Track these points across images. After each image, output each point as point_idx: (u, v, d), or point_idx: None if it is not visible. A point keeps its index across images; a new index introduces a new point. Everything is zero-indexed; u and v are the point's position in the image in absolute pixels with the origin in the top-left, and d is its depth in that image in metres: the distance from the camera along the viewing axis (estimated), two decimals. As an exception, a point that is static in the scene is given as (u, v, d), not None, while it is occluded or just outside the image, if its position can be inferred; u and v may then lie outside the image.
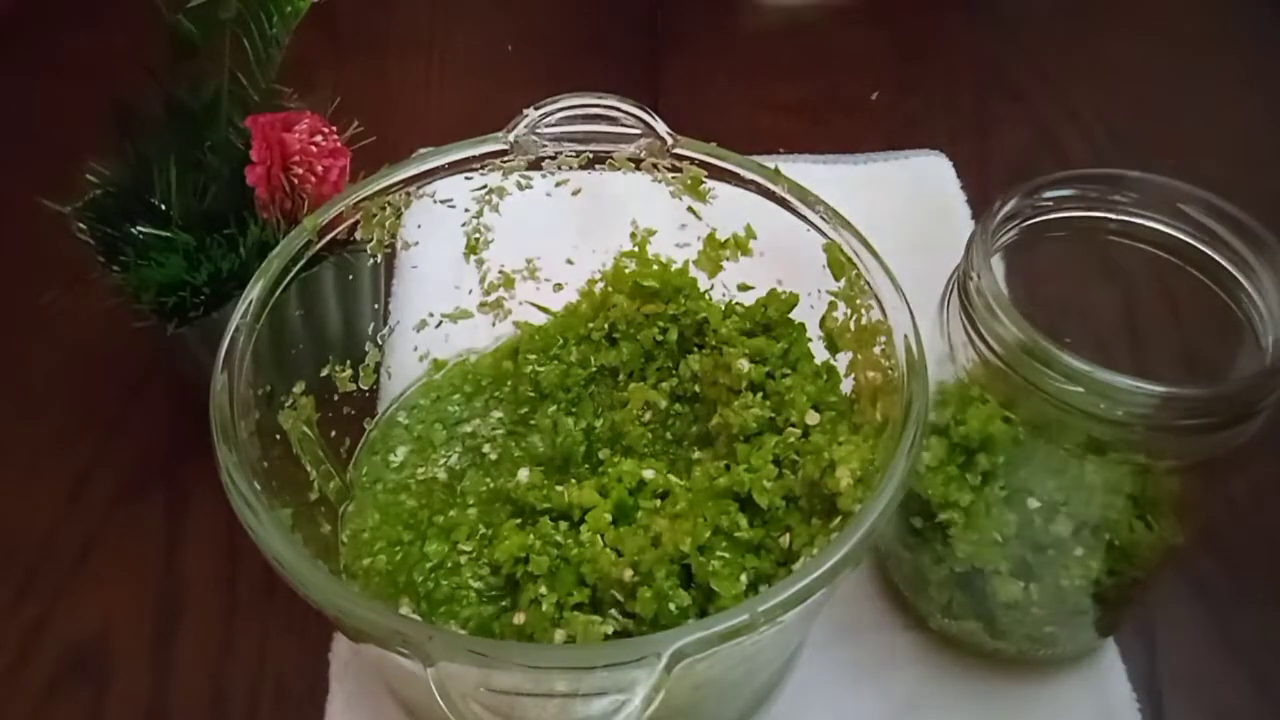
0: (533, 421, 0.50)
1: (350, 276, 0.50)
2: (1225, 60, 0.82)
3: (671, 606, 0.39)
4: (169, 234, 0.48)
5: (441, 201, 0.48)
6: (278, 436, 0.43)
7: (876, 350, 0.42)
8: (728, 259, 0.50)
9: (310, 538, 0.42)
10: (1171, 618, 0.50)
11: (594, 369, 0.50)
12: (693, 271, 0.50)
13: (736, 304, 0.49)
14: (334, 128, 0.51)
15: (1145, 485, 0.41)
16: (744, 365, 0.45)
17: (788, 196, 0.45)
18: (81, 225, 0.49)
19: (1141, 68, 0.80)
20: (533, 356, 0.51)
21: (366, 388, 0.50)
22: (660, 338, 0.49)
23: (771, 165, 0.46)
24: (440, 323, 0.53)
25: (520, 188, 0.49)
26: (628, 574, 0.40)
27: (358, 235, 0.46)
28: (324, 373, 0.48)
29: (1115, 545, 0.42)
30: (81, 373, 0.59)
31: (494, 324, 0.54)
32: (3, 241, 0.65)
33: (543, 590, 0.41)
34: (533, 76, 0.78)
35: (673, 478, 0.44)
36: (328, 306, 0.49)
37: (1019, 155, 0.73)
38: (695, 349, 0.49)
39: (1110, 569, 0.42)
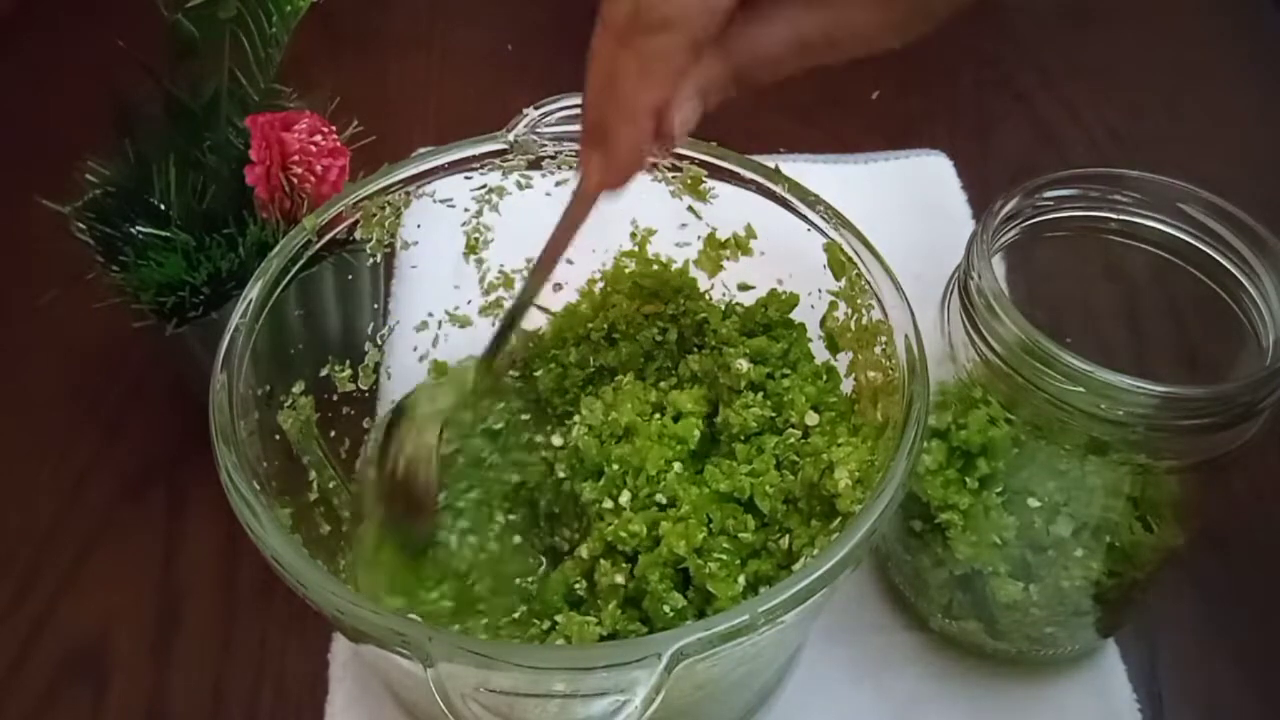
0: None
1: (350, 276, 0.50)
2: (1225, 60, 0.82)
3: (666, 609, 0.39)
4: (168, 234, 0.48)
5: (441, 201, 0.48)
6: (277, 436, 0.43)
7: (877, 350, 0.42)
8: (728, 259, 0.50)
9: (310, 538, 0.42)
10: (1171, 618, 0.50)
11: (592, 370, 0.50)
12: (693, 271, 0.50)
13: (736, 304, 0.49)
14: (333, 127, 0.51)
15: (1146, 486, 0.41)
16: (743, 365, 0.45)
17: (788, 196, 0.45)
18: (81, 225, 0.49)
19: (1141, 67, 0.80)
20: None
21: (366, 388, 0.50)
22: (660, 338, 0.49)
23: (771, 165, 0.46)
24: (440, 323, 0.53)
25: (520, 187, 0.48)
26: (619, 579, 0.40)
27: (357, 235, 0.46)
28: (323, 373, 0.48)
29: (1116, 546, 0.42)
30: (81, 373, 0.59)
31: (494, 324, 0.54)
32: (3, 241, 0.65)
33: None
34: (533, 76, 0.78)
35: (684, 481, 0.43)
36: (327, 306, 0.49)
37: (1019, 155, 0.73)
38: (695, 349, 0.49)
39: (1110, 570, 0.42)
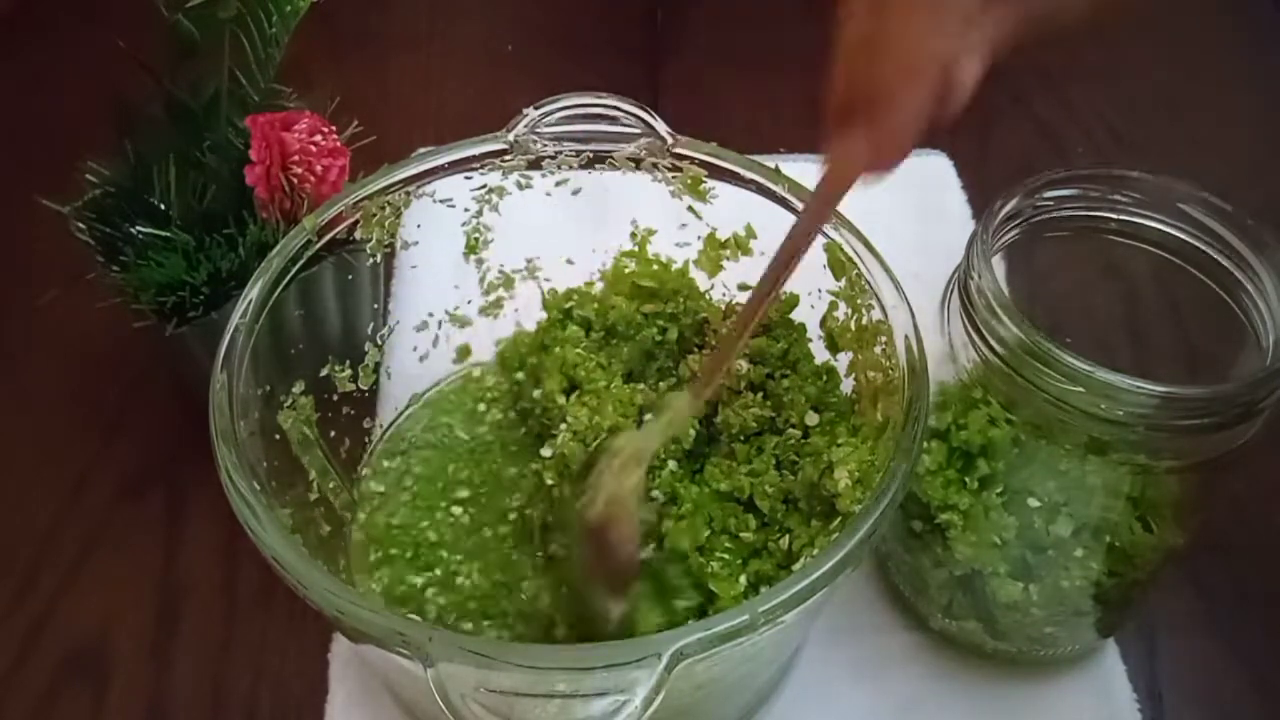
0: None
1: (349, 276, 0.50)
2: (1225, 60, 0.82)
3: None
4: (168, 234, 0.48)
5: (441, 201, 0.48)
6: (278, 436, 0.43)
7: (877, 350, 0.42)
8: (728, 259, 0.50)
9: (310, 538, 0.42)
10: (1171, 618, 0.50)
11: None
12: (693, 271, 0.50)
13: (736, 304, 0.49)
14: (333, 127, 0.51)
15: (1145, 486, 0.41)
16: (742, 365, 0.45)
17: (788, 196, 0.45)
18: (81, 225, 0.49)
19: (1141, 68, 0.80)
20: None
21: (366, 388, 0.50)
22: (660, 338, 0.49)
23: (771, 165, 0.46)
24: (440, 323, 0.53)
25: (520, 187, 0.49)
26: None
27: (357, 235, 0.46)
28: (323, 373, 0.48)
29: (1115, 546, 0.42)
30: (81, 373, 0.59)
31: (493, 325, 0.54)
32: (3, 241, 0.65)
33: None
34: (533, 76, 0.78)
35: (680, 485, 0.43)
36: (327, 306, 0.49)
37: (1019, 155, 0.73)
38: (695, 349, 0.49)
39: (1110, 570, 0.42)
